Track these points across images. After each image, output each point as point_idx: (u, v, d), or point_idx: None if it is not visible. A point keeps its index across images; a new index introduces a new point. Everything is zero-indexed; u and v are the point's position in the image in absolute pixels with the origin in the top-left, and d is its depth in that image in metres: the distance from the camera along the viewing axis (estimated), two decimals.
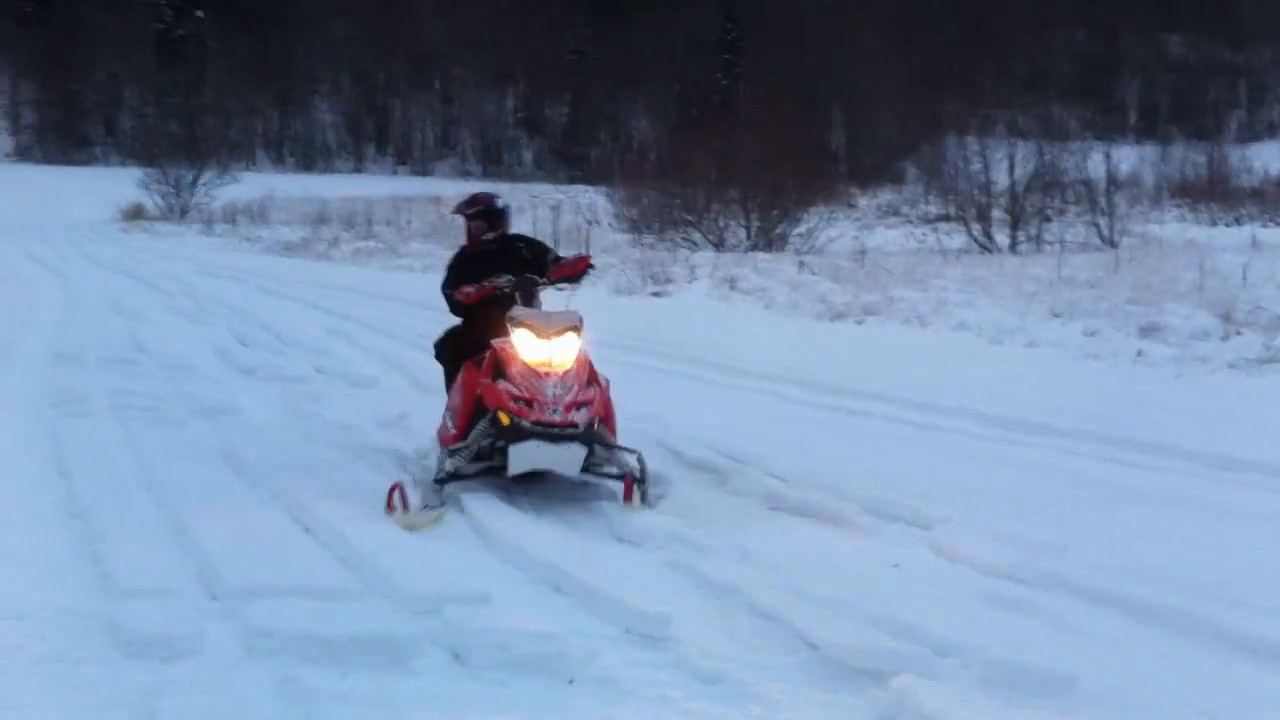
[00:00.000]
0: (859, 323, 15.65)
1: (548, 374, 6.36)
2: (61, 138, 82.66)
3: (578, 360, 6.52)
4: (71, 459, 7.15)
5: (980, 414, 9.19)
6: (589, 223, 28.52)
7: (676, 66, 78.52)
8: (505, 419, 6.30)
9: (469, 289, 6.95)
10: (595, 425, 6.46)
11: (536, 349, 6.46)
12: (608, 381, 6.85)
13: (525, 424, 6.25)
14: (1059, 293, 16.51)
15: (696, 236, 29.90)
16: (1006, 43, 79.99)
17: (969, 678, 4.15)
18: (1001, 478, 7.26)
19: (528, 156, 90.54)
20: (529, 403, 6.27)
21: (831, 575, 5.20)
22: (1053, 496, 6.79)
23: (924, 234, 33.12)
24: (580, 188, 43.68)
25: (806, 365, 11.71)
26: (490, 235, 7.30)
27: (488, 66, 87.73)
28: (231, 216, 42.87)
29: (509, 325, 6.56)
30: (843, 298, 17.17)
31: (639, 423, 8.44)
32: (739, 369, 11.59)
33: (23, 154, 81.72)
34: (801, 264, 22.38)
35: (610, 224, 33.54)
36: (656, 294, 19.63)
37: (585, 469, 6.51)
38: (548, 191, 43.53)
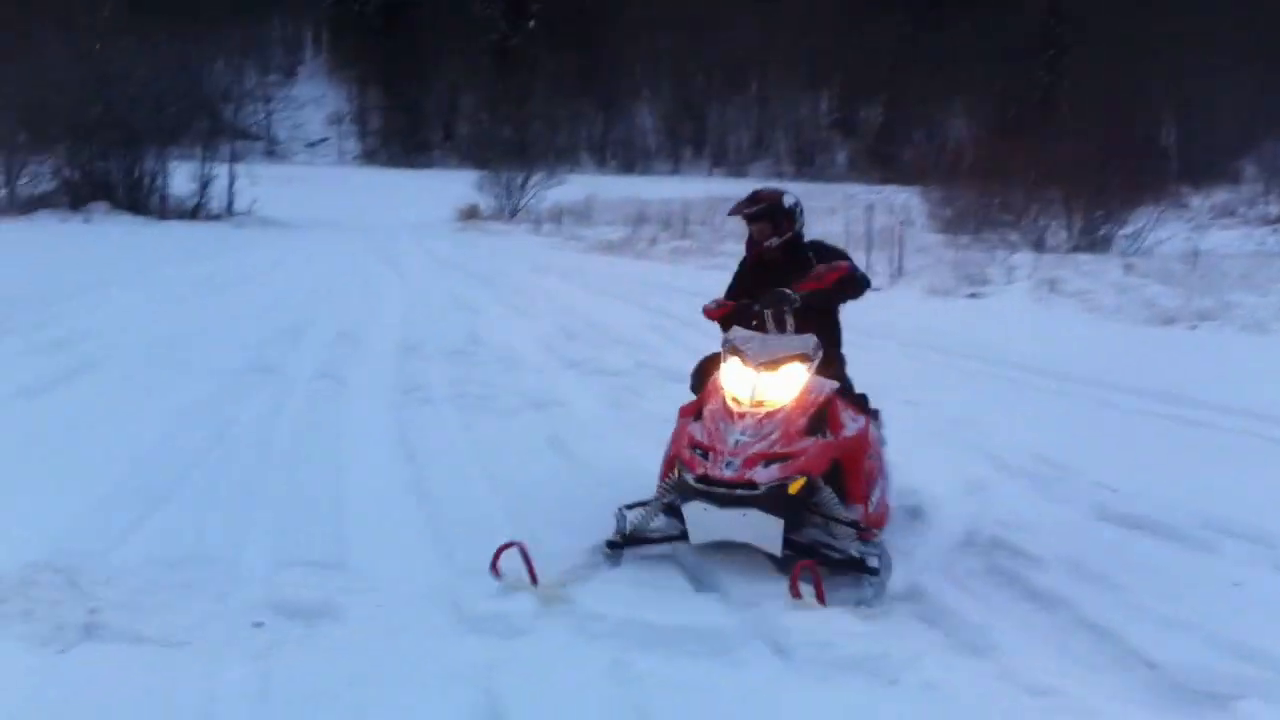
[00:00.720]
0: (1192, 328, 14.80)
1: (743, 415, 5.12)
2: (404, 142, 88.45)
3: (799, 400, 5.18)
4: (417, 443, 7.70)
5: None
6: (902, 223, 28.07)
7: (995, 65, 76.19)
8: (678, 471, 5.20)
9: (711, 304, 5.94)
10: (801, 489, 4.97)
11: (740, 383, 5.28)
12: (865, 431, 5.44)
13: (690, 479, 5.03)
14: None
15: (1014, 237, 28.91)
16: None
17: None
18: None
19: (840, 158, 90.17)
20: (706, 451, 5.06)
21: (1167, 591, 4.96)
22: None
23: (1263, 236, 30.91)
24: (893, 188, 43.01)
25: (1134, 371, 11.19)
26: (775, 240, 5.94)
27: (802, 70, 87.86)
28: (557, 216, 44.47)
29: (724, 352, 5.49)
30: (1173, 302, 16.28)
31: (955, 427, 8.35)
32: (1061, 374, 11.17)
33: (369, 157, 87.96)
34: (1128, 266, 21.33)
35: (924, 224, 32.88)
36: (973, 295, 19.13)
37: (805, 550, 5.06)
38: (861, 192, 43.09)
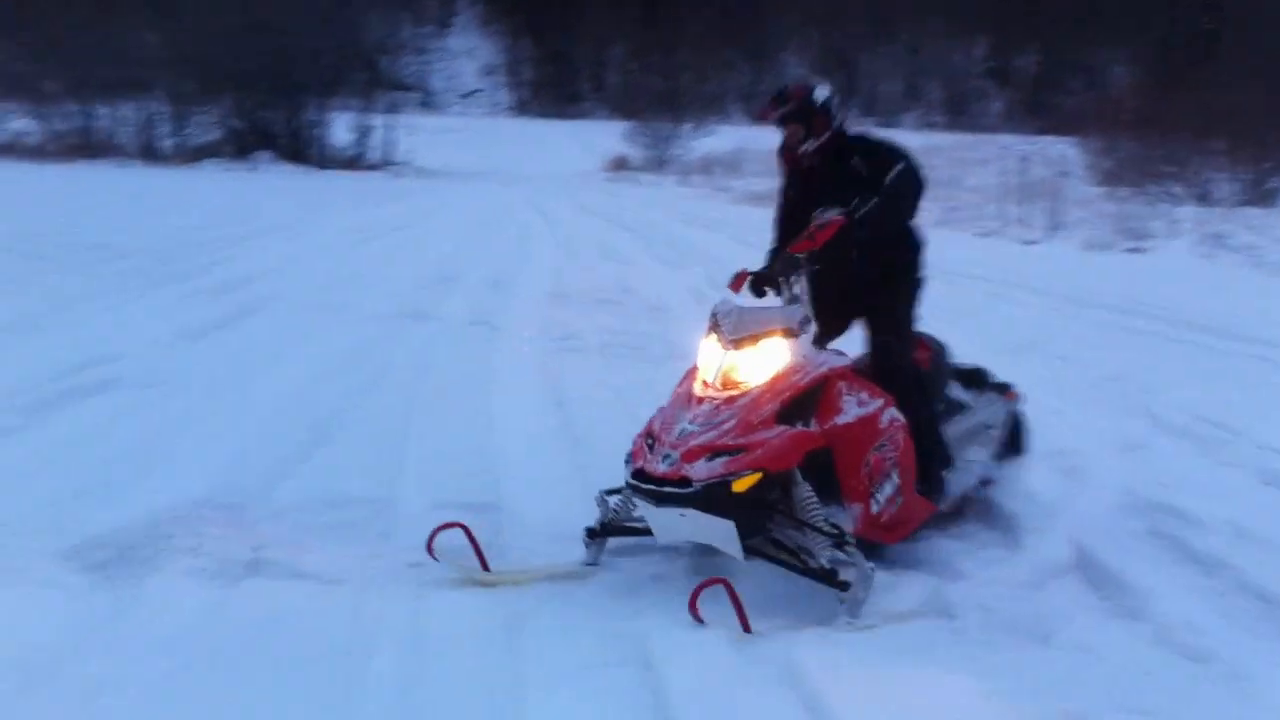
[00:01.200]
0: None
1: (702, 400, 4.42)
2: (555, 93, 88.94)
3: (773, 382, 4.41)
4: (566, 389, 7.81)
5: None
6: (1060, 174, 27.29)
7: (1154, 11, 73.17)
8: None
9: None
10: (754, 487, 4.13)
11: (710, 361, 4.54)
12: (873, 417, 4.61)
13: (628, 473, 4.47)
14: None
15: (1177, 189, 27.89)
16: None
17: None
18: None
19: (995, 107, 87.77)
20: (654, 441, 4.44)
21: None
22: None
23: None
24: (1050, 139, 41.70)
25: None
26: (810, 145, 4.94)
27: (955, 17, 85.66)
28: (707, 167, 44.33)
29: (708, 325, 4.67)
30: None
31: (1112, 385, 8.14)
32: (1227, 332, 10.78)
33: (521, 108, 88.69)
34: None
35: (1082, 176, 31.90)
36: (1133, 249, 18.54)
37: (790, 554, 4.39)
38: (1016, 143, 41.92)
